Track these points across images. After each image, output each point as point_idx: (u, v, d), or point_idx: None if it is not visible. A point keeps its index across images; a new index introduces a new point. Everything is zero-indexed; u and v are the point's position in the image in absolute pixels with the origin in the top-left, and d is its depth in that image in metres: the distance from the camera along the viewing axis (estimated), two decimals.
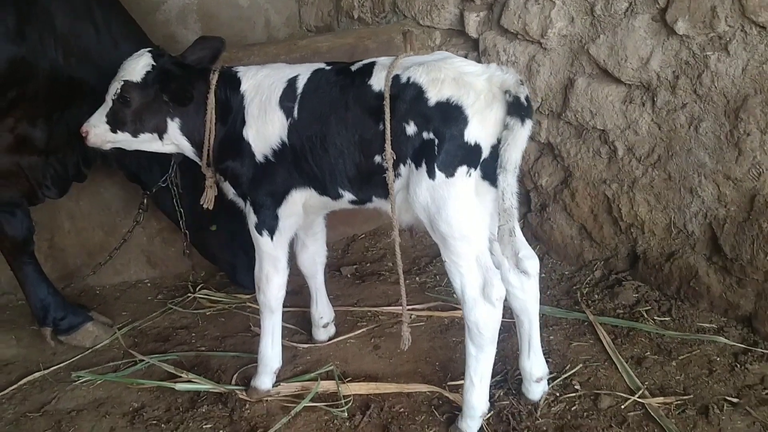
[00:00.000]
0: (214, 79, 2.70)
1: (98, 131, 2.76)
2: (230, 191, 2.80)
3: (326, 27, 5.40)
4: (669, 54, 3.05)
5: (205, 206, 2.86)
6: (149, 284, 3.96)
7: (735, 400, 2.66)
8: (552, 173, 3.80)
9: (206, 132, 2.72)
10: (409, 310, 3.45)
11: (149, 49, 2.77)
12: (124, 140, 2.78)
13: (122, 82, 2.69)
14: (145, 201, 3.44)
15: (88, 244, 3.84)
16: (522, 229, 3.91)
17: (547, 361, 2.89)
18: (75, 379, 3.10)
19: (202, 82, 2.71)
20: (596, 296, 3.44)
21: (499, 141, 2.33)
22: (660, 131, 3.19)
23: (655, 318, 3.19)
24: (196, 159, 2.83)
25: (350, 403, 2.83)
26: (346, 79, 2.58)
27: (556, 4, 3.47)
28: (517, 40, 3.77)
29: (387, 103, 2.40)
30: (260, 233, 2.74)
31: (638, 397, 2.72)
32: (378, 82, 2.47)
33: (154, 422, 2.81)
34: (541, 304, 3.31)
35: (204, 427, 2.76)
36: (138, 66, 2.69)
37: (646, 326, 3.13)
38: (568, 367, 2.95)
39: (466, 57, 4.12)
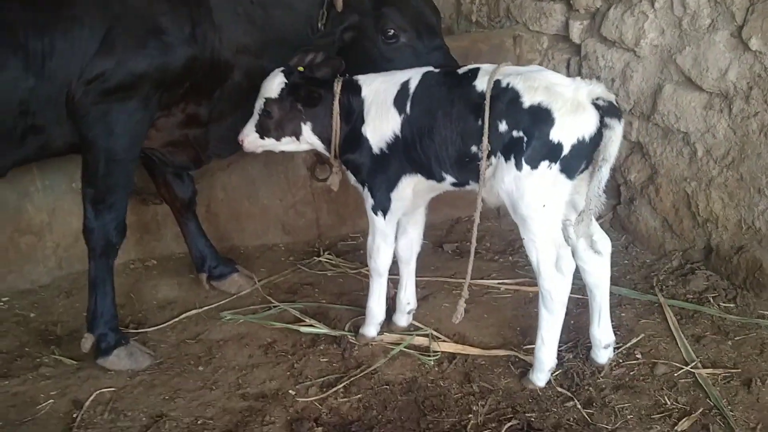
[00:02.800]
0: (338, 87, 3.22)
1: (250, 139, 3.32)
2: (351, 178, 3.34)
3: (447, 29, 5.93)
4: (744, 67, 3.38)
5: (332, 188, 3.45)
6: (283, 248, 4.65)
7: None
8: (640, 170, 4.17)
9: (333, 131, 3.24)
10: (499, 283, 4.05)
11: (281, 69, 3.26)
12: (271, 144, 3.34)
13: (264, 99, 3.24)
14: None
15: (235, 211, 4.57)
16: (611, 219, 4.39)
17: (616, 334, 3.33)
18: (223, 317, 3.81)
19: (327, 90, 3.22)
20: (670, 282, 3.81)
21: (578, 140, 2.78)
22: (735, 136, 3.52)
23: (720, 304, 3.54)
24: (326, 153, 3.36)
25: (439, 355, 3.39)
26: (453, 80, 3.06)
27: (649, 17, 3.85)
28: (614, 48, 4.16)
29: (487, 102, 2.85)
30: (375, 213, 3.27)
31: (691, 368, 3.11)
32: (481, 84, 2.94)
33: (283, 354, 3.47)
34: (619, 286, 3.80)
35: (321, 360, 3.40)
36: (274, 84, 3.21)
37: (710, 310, 3.50)
38: (633, 340, 3.39)
39: (569, 61, 4.60)
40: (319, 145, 3.36)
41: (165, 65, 3.27)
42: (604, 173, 2.80)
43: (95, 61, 3.13)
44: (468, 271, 3.20)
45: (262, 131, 3.30)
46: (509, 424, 2.90)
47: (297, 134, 3.32)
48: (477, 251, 4.40)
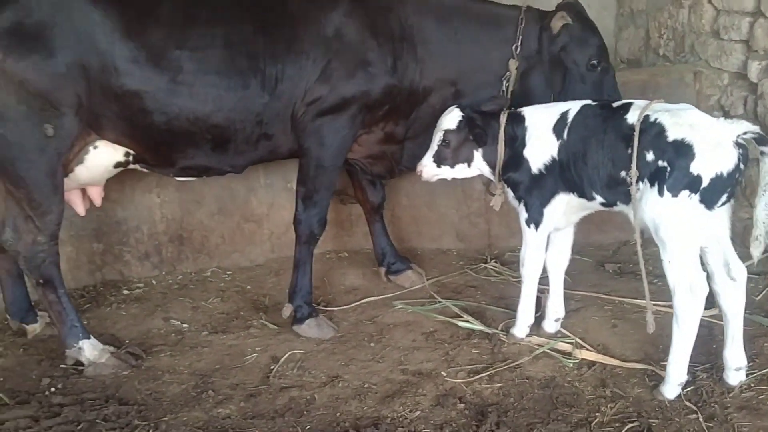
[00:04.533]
0: (503, 118, 3.75)
1: (428, 168, 3.86)
2: (510, 195, 3.83)
3: (636, 60, 6.19)
4: None
5: (495, 208, 3.96)
6: (455, 253, 5.22)
7: None
8: None
9: (498, 156, 3.76)
10: (653, 303, 4.28)
11: (456, 105, 3.85)
12: (445, 172, 3.88)
13: (443, 131, 3.79)
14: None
15: (416, 216, 5.23)
16: None
17: (754, 361, 3.53)
18: (395, 306, 4.45)
19: (495, 121, 3.76)
20: None
21: (716, 175, 3.08)
22: None
23: None
24: (491, 177, 3.88)
25: (579, 360, 3.74)
26: (607, 112, 3.47)
27: None
28: None
29: (636, 133, 3.24)
30: (528, 225, 3.74)
31: None
32: (632, 117, 3.33)
33: (441, 342, 4.02)
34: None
35: (472, 351, 3.90)
36: (453, 118, 3.80)
37: None
38: None
39: (746, 98, 4.71)
40: (487, 170, 3.89)
41: (368, 91, 3.98)
42: (765, 199, 3.07)
43: (315, 87, 3.90)
44: (645, 285, 3.49)
45: (440, 160, 3.86)
46: (631, 425, 3.22)
47: (469, 161, 3.87)
48: (637, 273, 4.65)
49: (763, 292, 4.26)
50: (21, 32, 3.44)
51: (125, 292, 4.90)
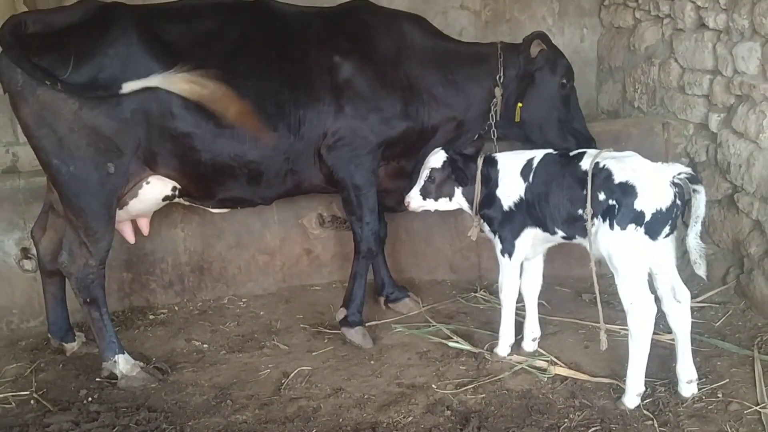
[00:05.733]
0: (480, 161, 4.32)
1: (415, 200, 4.39)
2: (486, 228, 4.39)
3: (614, 111, 6.77)
4: None
5: (472, 238, 4.50)
6: (448, 283, 5.74)
7: None
8: (759, 245, 4.74)
9: (475, 194, 4.32)
10: (620, 328, 4.78)
11: (440, 148, 4.43)
12: (430, 204, 4.41)
13: (430, 169, 4.32)
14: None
15: (414, 250, 5.75)
16: (735, 286, 4.97)
17: (707, 377, 4.03)
18: (394, 329, 4.97)
19: (473, 163, 4.34)
20: None
21: (656, 210, 3.64)
22: None
23: None
24: (469, 211, 4.43)
25: (553, 375, 4.25)
26: (565, 160, 4.05)
27: (767, 115, 4.51)
28: (742, 139, 4.81)
29: (589, 177, 3.82)
30: (503, 255, 4.28)
31: (759, 408, 3.71)
32: (585, 164, 3.90)
33: (433, 360, 4.52)
34: (725, 341, 4.44)
35: (460, 368, 4.40)
36: (438, 158, 4.35)
37: None
38: (720, 383, 4.02)
39: (708, 147, 5.27)
40: (465, 205, 4.45)
41: (382, 132, 4.61)
42: (698, 228, 3.61)
43: (332, 128, 4.53)
44: (599, 309, 4.03)
45: (425, 194, 4.44)
46: (594, 429, 3.73)
47: (450, 195, 4.44)
48: (610, 302, 5.21)
49: (722, 320, 4.77)
50: (95, 85, 4.04)
51: (151, 316, 5.43)
